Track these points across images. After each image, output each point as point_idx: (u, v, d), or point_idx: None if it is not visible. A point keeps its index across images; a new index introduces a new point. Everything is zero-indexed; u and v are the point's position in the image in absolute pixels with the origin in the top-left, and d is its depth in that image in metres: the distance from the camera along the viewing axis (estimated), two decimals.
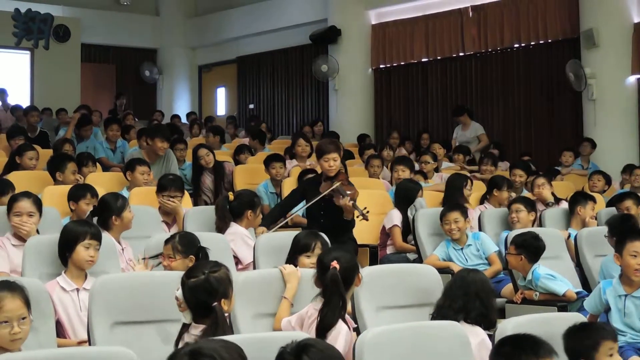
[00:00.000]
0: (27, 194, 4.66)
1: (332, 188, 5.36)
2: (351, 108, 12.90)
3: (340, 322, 3.30)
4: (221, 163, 8.01)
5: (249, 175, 7.93)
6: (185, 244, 4.14)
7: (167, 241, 4.18)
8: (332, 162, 5.46)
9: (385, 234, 6.28)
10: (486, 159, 8.79)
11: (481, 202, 6.88)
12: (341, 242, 5.15)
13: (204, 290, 2.96)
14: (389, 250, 6.22)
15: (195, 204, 7.46)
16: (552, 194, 6.92)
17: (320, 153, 5.54)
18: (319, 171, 5.87)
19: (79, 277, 3.90)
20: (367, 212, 5.26)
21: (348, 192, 5.34)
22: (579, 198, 6.28)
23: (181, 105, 16.54)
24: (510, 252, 4.86)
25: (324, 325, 3.28)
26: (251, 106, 15.81)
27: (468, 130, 10.87)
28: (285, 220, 5.64)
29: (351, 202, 5.25)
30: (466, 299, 3.49)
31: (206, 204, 7.56)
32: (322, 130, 12.09)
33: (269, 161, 7.48)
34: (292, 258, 4.09)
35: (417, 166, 8.20)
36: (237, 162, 8.69)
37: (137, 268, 4.18)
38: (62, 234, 3.99)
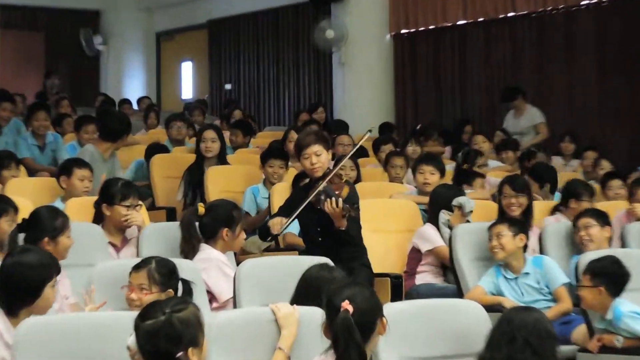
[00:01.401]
0: None
1: (317, 191, 5.36)
2: (363, 88, 12.90)
3: None
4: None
5: (226, 179, 7.85)
6: (165, 274, 4.15)
7: (138, 267, 4.17)
8: (315, 157, 5.47)
9: (416, 258, 6.27)
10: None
11: (552, 213, 6.83)
12: (350, 268, 5.11)
13: (165, 336, 2.98)
14: (420, 280, 6.18)
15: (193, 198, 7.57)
16: None
17: (298, 149, 5.56)
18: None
19: None
20: (356, 207, 5.31)
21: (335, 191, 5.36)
22: None
23: (133, 87, 16.59)
24: (583, 284, 4.84)
25: None
26: (228, 87, 15.84)
27: (523, 117, 10.90)
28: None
29: (337, 200, 5.22)
30: (512, 347, 3.49)
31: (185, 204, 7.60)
32: (325, 118, 12.08)
33: (267, 158, 7.48)
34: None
35: (448, 166, 8.11)
36: None
37: (88, 308, 4.15)
38: (22, 274, 3.77)
